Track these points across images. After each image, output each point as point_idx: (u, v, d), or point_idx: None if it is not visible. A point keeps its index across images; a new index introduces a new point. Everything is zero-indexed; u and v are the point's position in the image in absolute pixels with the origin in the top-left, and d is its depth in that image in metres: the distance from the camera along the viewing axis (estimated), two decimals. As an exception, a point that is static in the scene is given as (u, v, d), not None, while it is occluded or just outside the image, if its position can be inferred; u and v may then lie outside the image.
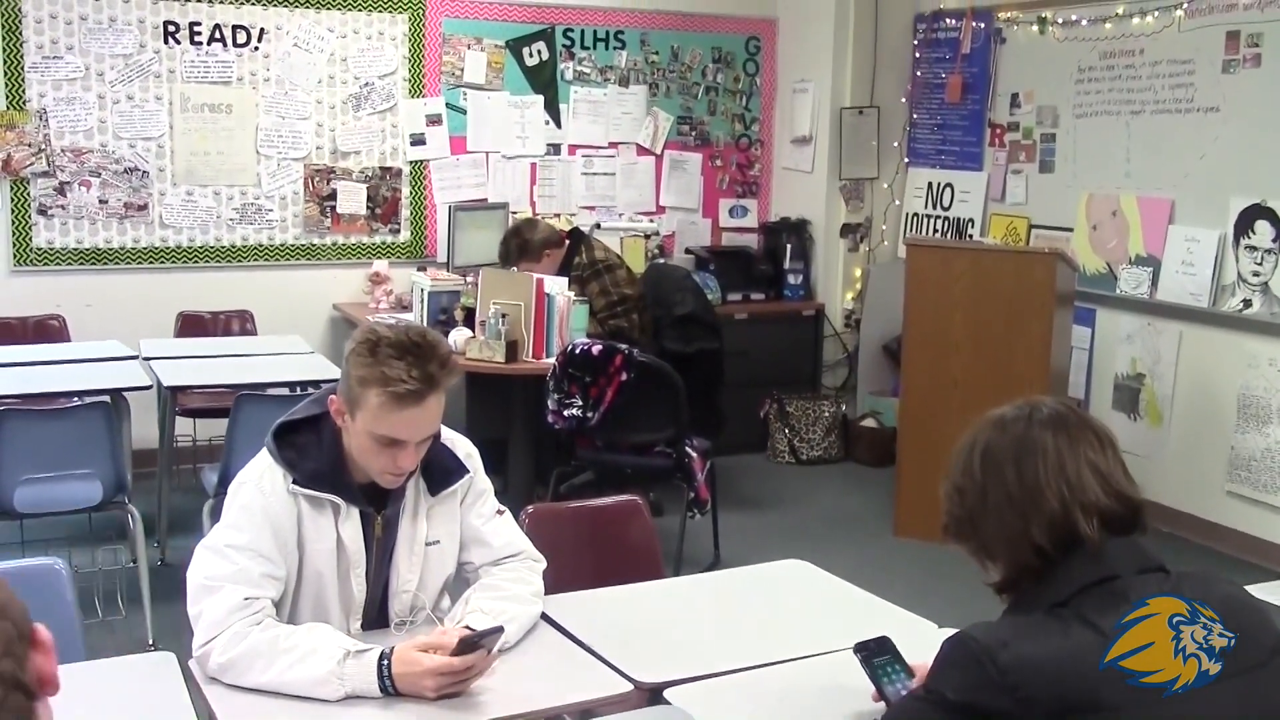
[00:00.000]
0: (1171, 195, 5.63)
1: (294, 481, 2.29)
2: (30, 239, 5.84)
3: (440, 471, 2.42)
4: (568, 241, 5.66)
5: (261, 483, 2.29)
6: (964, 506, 1.71)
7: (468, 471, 2.46)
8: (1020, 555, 1.65)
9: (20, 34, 5.71)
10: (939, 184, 6.93)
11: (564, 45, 6.83)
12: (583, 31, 6.86)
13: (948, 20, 6.78)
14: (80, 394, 4.43)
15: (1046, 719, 1.52)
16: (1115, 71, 5.88)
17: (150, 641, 4.10)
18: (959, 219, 6.81)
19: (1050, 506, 1.63)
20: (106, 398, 4.38)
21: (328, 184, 6.40)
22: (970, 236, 6.66)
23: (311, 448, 2.32)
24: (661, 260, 6.78)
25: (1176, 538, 5.37)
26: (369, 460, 2.28)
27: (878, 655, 2.08)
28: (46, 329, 5.69)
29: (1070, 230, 6.11)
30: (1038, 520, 1.63)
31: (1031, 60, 6.34)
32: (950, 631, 2.30)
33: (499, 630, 2.19)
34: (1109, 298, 5.91)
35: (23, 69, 5.73)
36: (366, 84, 6.41)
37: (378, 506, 2.37)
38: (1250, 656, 1.57)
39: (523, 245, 5.50)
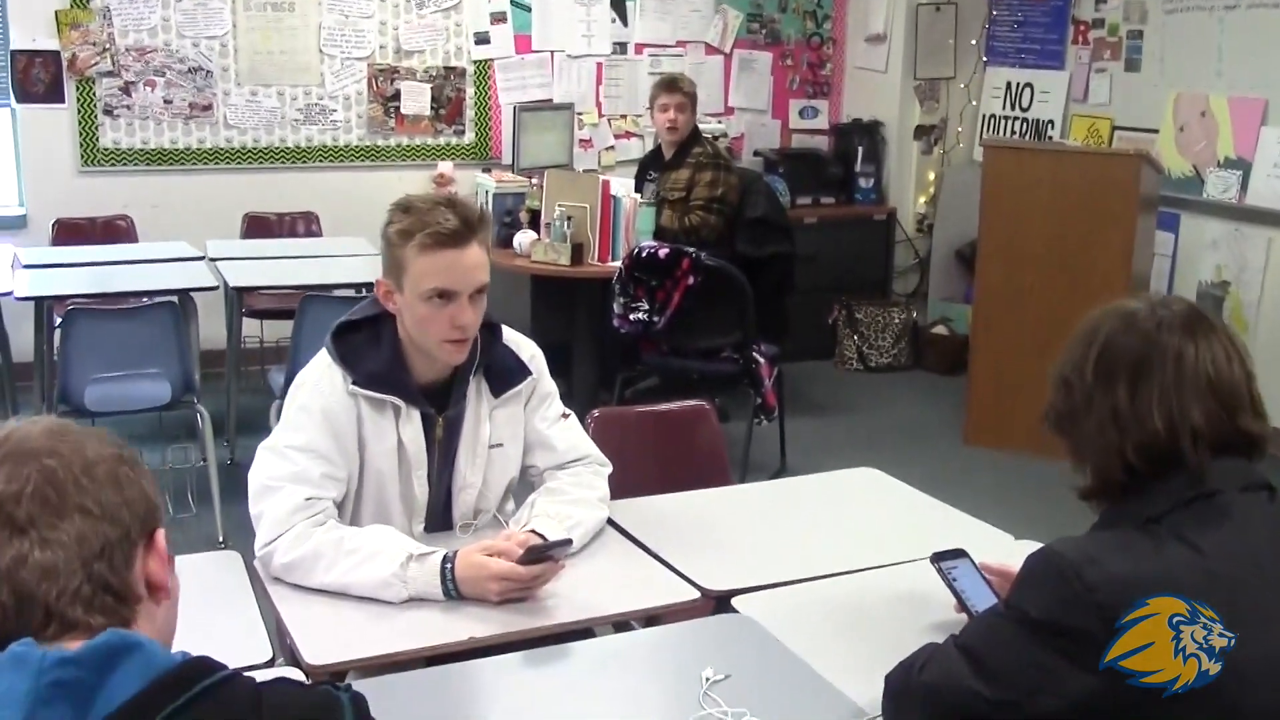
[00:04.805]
0: (1265, 95, 5.38)
1: (353, 382, 2.25)
2: (97, 139, 5.84)
3: (503, 373, 2.37)
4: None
5: (320, 384, 2.26)
6: (1068, 403, 1.62)
7: (531, 373, 2.41)
8: (1109, 469, 1.57)
9: (83, -70, 5.64)
10: (1018, 84, 6.69)
11: (631, -61, 6.64)
12: (651, -75, 6.67)
13: (1032, -90, 6.50)
14: (149, 294, 4.45)
15: None
16: (1210, -37, 5.59)
17: (220, 539, 4.16)
18: (1039, 120, 6.58)
19: (1153, 428, 1.53)
20: (174, 298, 4.39)
21: (391, 84, 6.31)
22: (1050, 138, 6.45)
23: (369, 348, 2.28)
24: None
25: (1258, 451, 5.23)
26: (426, 329, 2.22)
27: (955, 566, 2.02)
28: (115, 229, 5.72)
29: (1156, 132, 5.88)
30: (1136, 439, 1.54)
31: (1120, -48, 6.06)
32: (1028, 544, 2.24)
33: (567, 543, 2.16)
34: (1195, 202, 5.69)
35: (86, -34, 5.68)
36: (430, -20, 6.28)
37: (439, 408, 2.33)
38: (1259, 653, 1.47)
39: (694, 95, 5.58)
